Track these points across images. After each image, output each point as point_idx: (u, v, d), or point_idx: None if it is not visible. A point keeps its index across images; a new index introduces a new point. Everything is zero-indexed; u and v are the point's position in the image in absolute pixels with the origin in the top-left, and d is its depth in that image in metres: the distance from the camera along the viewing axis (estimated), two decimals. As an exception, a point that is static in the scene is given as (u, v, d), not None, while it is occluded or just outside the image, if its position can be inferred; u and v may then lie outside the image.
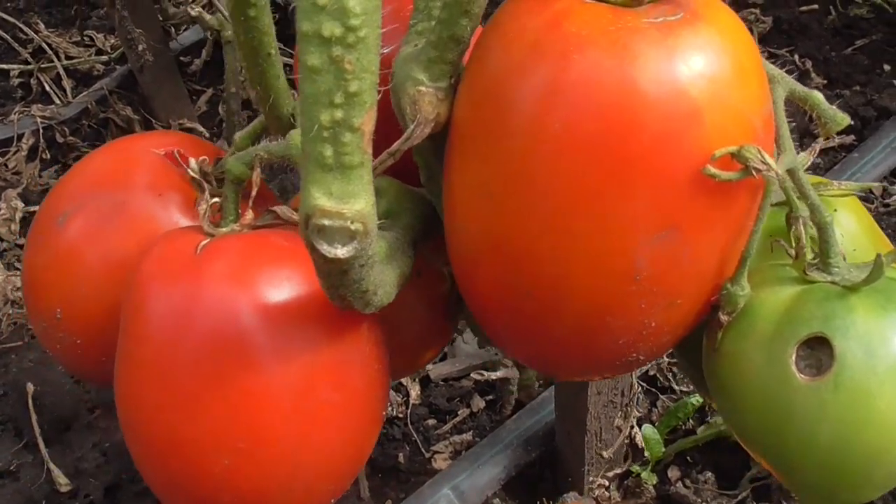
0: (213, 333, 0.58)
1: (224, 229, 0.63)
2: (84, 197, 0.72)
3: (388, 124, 0.59)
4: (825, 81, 1.62)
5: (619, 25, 0.50)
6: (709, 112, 0.49)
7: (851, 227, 0.64)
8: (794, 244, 0.58)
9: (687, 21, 0.51)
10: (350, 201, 0.45)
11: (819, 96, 0.57)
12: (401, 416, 1.34)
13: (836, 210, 0.63)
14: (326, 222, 0.45)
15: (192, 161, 0.68)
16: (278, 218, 0.64)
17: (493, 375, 1.35)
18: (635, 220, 0.51)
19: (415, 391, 1.36)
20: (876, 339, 0.52)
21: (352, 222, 0.45)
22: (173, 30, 1.72)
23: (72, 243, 0.71)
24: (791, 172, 0.56)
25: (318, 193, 0.45)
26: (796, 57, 1.66)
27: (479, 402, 1.35)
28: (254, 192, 0.63)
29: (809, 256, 0.58)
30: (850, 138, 1.54)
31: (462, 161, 0.56)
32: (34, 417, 1.26)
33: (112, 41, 1.80)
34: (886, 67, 1.65)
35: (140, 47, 1.51)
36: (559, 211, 0.52)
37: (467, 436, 1.30)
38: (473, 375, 1.36)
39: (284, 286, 0.58)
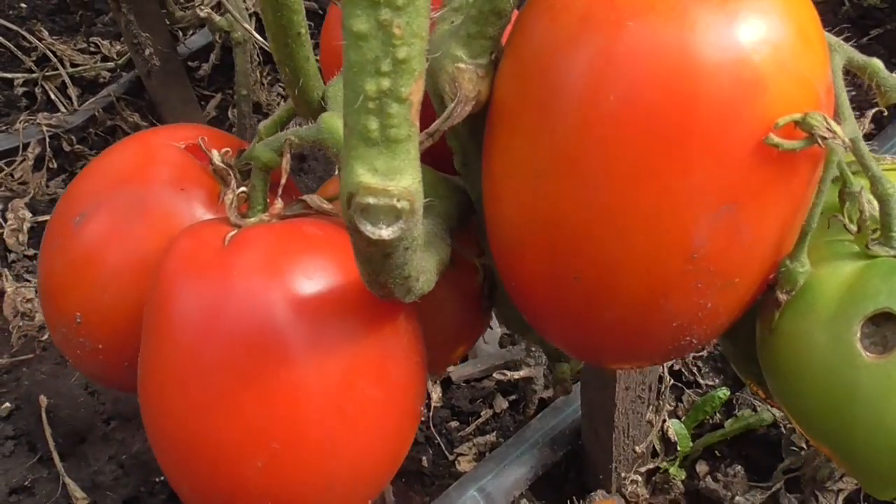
0: (245, 328, 0.55)
1: (253, 220, 0.60)
2: (101, 195, 0.69)
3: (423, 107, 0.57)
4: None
5: (676, -10, 0.48)
6: (772, 79, 0.47)
7: (905, 203, 0.61)
8: (853, 219, 0.55)
9: (745, -16, 0.48)
10: (396, 178, 0.42)
11: (879, 64, 0.55)
12: (423, 419, 1.32)
13: (890, 185, 0.60)
14: (371, 200, 0.42)
15: (216, 153, 0.65)
16: (308, 207, 0.61)
17: (516, 375, 1.32)
18: (694, 195, 0.48)
19: (436, 393, 1.34)
20: (945, 312, 0.50)
21: (398, 200, 0.43)
22: (181, 34, 1.70)
23: (90, 244, 0.68)
24: (854, 142, 0.53)
25: (363, 170, 0.42)
26: (812, 46, 1.64)
27: (501, 403, 1.32)
28: (283, 179, 0.60)
29: (870, 231, 0.55)
30: (869, 127, 1.52)
31: (505, 141, 0.53)
32: (48, 431, 1.23)
33: (118, 47, 1.78)
34: (901, 56, 1.63)
35: (147, 52, 1.49)
36: (612, 190, 0.49)
37: (491, 437, 1.28)
38: (495, 376, 1.33)
39: (319, 276, 0.55)
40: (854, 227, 0.55)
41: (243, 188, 0.61)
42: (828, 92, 0.50)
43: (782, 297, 0.54)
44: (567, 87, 0.49)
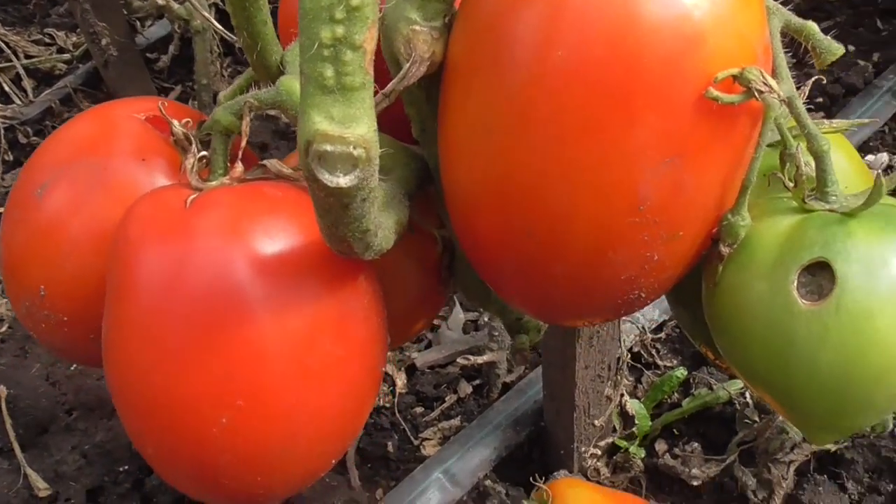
0: (207, 288, 0.56)
1: (214, 183, 0.61)
2: (63, 166, 0.69)
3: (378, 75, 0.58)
4: (794, 61, 1.64)
5: (621, -50, 0.50)
6: (711, 35, 0.49)
7: (842, 164, 0.64)
8: (791, 176, 0.58)
9: (688, -56, 0.50)
10: (352, 125, 0.44)
11: (814, 26, 0.58)
12: (388, 405, 1.33)
13: (828, 147, 0.63)
14: (328, 147, 0.44)
15: (176, 122, 0.66)
16: (268, 172, 0.62)
17: (479, 360, 1.34)
18: (640, 148, 0.50)
19: (401, 380, 1.35)
20: (876, 260, 0.52)
21: (354, 147, 0.44)
22: (139, 24, 1.69)
23: (52, 216, 0.68)
24: (789, 101, 0.56)
25: (319, 117, 0.44)
26: (764, 38, 1.68)
27: (466, 388, 1.34)
28: (243, 142, 0.61)
29: (807, 187, 0.58)
30: (819, 115, 1.57)
31: (459, 100, 0.55)
32: (8, 422, 1.22)
33: (74, 39, 1.76)
34: (851, 48, 1.68)
35: (104, 41, 1.48)
36: (563, 143, 0.51)
37: (455, 421, 1.29)
38: (459, 361, 1.34)
39: (281, 237, 0.57)
40: (791, 184, 0.57)
41: (204, 153, 0.63)
42: (765, 51, 0.53)
43: (725, 249, 0.57)
44: (517, 45, 0.51)
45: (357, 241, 0.52)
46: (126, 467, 1.19)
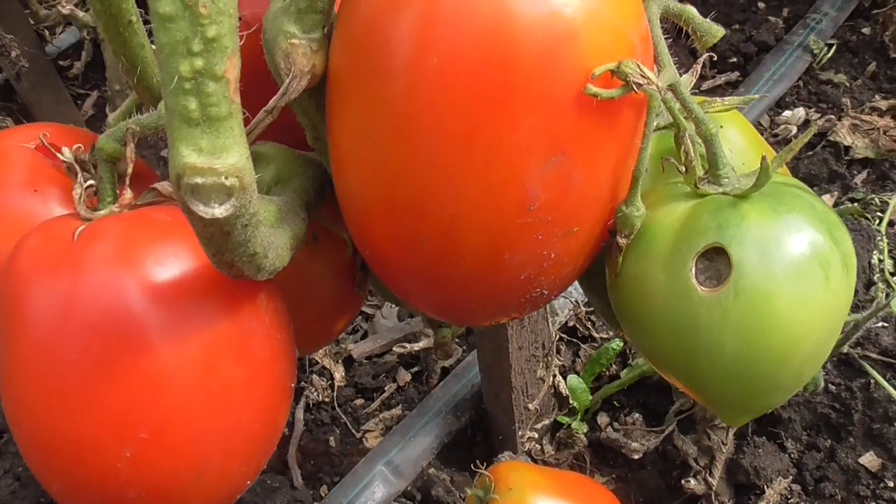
0: (100, 320, 0.54)
1: (102, 212, 0.59)
2: None
3: (264, 88, 0.57)
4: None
5: (487, -49, 0.49)
6: (585, 31, 0.49)
7: (738, 141, 0.64)
8: (682, 161, 0.58)
9: (555, -58, 0.50)
10: (222, 155, 0.43)
11: (693, 10, 0.57)
12: (327, 399, 1.32)
13: (722, 126, 0.63)
14: (199, 180, 0.43)
15: (65, 150, 0.64)
16: (160, 195, 0.61)
17: (416, 347, 1.34)
18: (523, 148, 0.50)
19: (339, 373, 1.34)
20: (770, 242, 0.53)
21: (226, 177, 0.43)
22: (47, 33, 1.65)
23: None
24: (673, 88, 0.56)
25: (187, 150, 0.42)
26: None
27: (405, 376, 1.34)
28: (129, 169, 0.59)
29: (700, 172, 0.58)
30: (735, 75, 1.58)
31: (343, 111, 0.54)
32: (-63, 449, 1.20)
33: (-17, 51, 1.71)
34: (761, 5, 1.70)
35: (13, 54, 1.44)
36: (445, 148, 0.50)
37: (397, 410, 1.29)
38: (396, 349, 1.34)
39: (171, 262, 0.55)
40: (683, 168, 0.58)
41: (91, 182, 0.61)
42: (643, 40, 0.52)
43: (622, 241, 0.57)
44: (393, 52, 0.50)
45: (246, 264, 0.51)
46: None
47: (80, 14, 1.42)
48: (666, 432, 1.16)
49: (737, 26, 1.65)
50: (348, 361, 1.36)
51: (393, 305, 1.39)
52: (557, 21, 0.48)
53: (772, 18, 1.65)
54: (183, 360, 0.55)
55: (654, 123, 0.54)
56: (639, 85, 0.49)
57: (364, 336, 1.39)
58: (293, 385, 0.62)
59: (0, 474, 1.18)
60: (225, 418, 0.57)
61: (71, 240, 0.56)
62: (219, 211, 0.44)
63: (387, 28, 0.50)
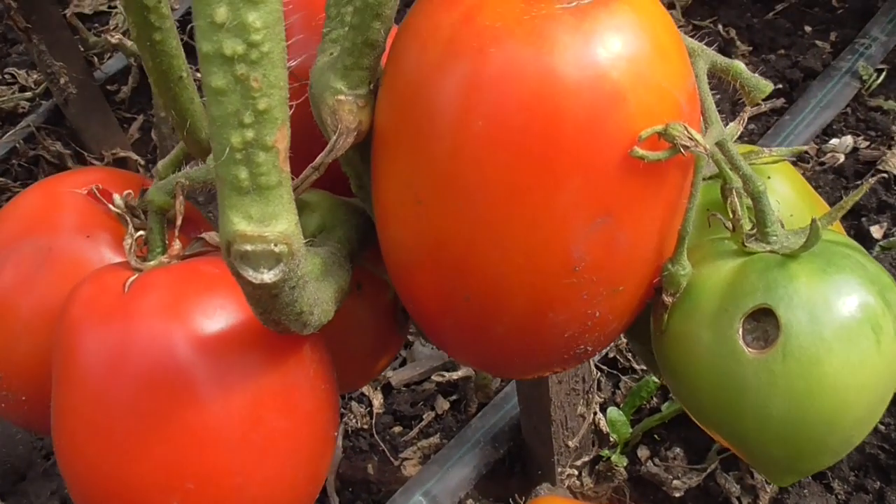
0: (149, 372, 0.55)
1: (152, 263, 0.60)
2: (9, 247, 0.69)
3: (313, 139, 0.58)
4: (750, 48, 1.64)
5: (533, 14, 0.49)
6: (631, 93, 0.49)
7: (786, 193, 0.64)
8: (730, 217, 0.57)
9: (601, 3, 0.50)
10: (271, 223, 0.43)
11: (740, 66, 0.57)
12: (366, 426, 1.32)
13: (769, 177, 0.63)
14: (249, 247, 0.43)
15: (117, 197, 0.66)
16: (208, 245, 0.62)
17: (455, 375, 1.34)
18: (567, 210, 0.50)
19: (378, 400, 1.35)
20: (819, 304, 0.52)
21: (275, 245, 0.44)
22: (96, 59, 1.69)
23: (2, 298, 0.68)
24: (720, 145, 0.55)
25: (237, 218, 0.43)
26: (720, 27, 1.68)
27: (443, 404, 1.34)
28: (178, 221, 0.61)
29: (747, 227, 0.57)
30: (780, 101, 1.56)
31: (388, 168, 0.55)
32: (-14, 471, 1.22)
33: (35, 76, 1.76)
34: (808, 29, 1.67)
35: (62, 80, 1.48)
36: (490, 210, 0.50)
37: (435, 439, 1.29)
38: (434, 378, 1.35)
39: (219, 315, 0.56)
40: (730, 225, 0.57)
41: (142, 231, 0.62)
42: (690, 99, 0.52)
43: (668, 299, 0.56)
44: (439, 113, 0.50)
45: (293, 322, 0.51)
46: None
47: (128, 43, 1.45)
48: (708, 469, 1.15)
49: (782, 51, 1.63)
50: (387, 388, 1.36)
51: (433, 334, 1.39)
52: (604, 84, 0.48)
53: (819, 43, 1.62)
54: (229, 411, 0.56)
55: (701, 182, 0.54)
56: (686, 147, 0.49)
57: (403, 363, 1.39)
58: (336, 434, 0.63)
59: (47, 496, 1.20)
60: (268, 469, 0.57)
61: (122, 291, 0.58)
62: (268, 276, 0.45)
63: (433, 89, 0.50)
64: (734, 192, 0.56)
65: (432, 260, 0.54)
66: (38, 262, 0.68)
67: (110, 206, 0.63)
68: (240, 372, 0.56)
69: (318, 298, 0.53)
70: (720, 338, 0.54)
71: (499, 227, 0.51)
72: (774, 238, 0.56)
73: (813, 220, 0.52)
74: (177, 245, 0.61)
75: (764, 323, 0.54)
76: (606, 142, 0.49)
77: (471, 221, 0.51)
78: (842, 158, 1.46)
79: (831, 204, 0.60)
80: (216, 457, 0.56)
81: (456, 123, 0.50)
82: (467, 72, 0.49)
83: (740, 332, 0.54)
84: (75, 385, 0.58)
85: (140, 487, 0.55)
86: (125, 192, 0.66)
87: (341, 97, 0.54)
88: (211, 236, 0.61)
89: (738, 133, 0.61)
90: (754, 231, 0.57)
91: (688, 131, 0.49)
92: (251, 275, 0.44)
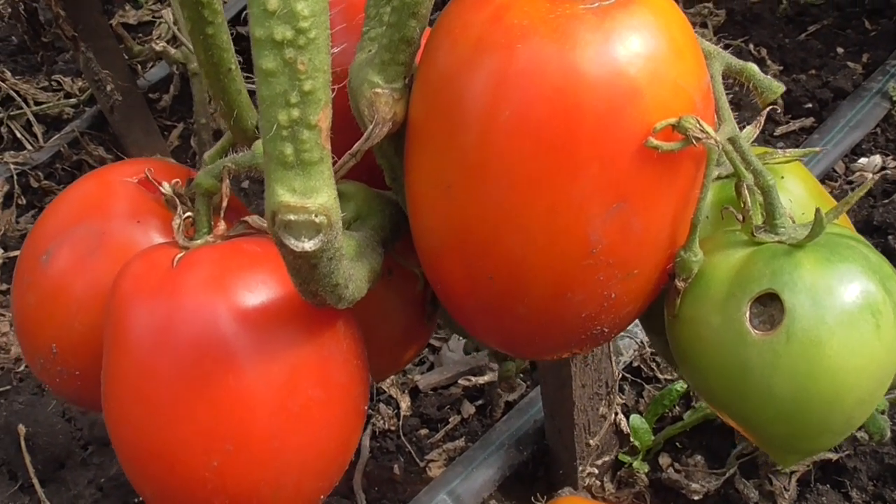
0: (194, 340, 0.60)
1: (198, 241, 0.65)
2: (65, 232, 0.74)
3: (350, 130, 0.62)
4: (781, 68, 1.66)
5: (558, 13, 0.54)
6: (648, 88, 0.52)
7: (798, 192, 0.67)
8: (741, 209, 0.61)
9: (621, 4, 0.54)
10: (313, 196, 0.48)
11: (754, 67, 0.60)
12: (393, 428, 1.36)
13: (782, 177, 0.66)
14: (292, 217, 0.48)
15: (166, 184, 0.71)
16: (250, 227, 0.66)
17: (481, 380, 1.37)
18: (586, 196, 0.54)
19: (405, 403, 1.38)
20: (822, 290, 0.55)
21: (316, 215, 0.48)
22: (140, 67, 1.75)
23: (58, 279, 0.73)
24: (732, 140, 0.59)
25: (282, 190, 0.47)
26: (751, 46, 1.70)
27: (469, 408, 1.37)
28: (224, 203, 0.65)
29: (758, 220, 0.61)
30: (809, 121, 1.58)
31: (420, 157, 0.59)
32: (27, 458, 1.27)
33: (80, 84, 1.82)
34: (840, 50, 1.69)
35: (108, 87, 1.53)
36: (513, 195, 0.54)
37: (460, 442, 1.32)
38: (461, 382, 1.38)
39: (260, 290, 0.60)
40: (741, 217, 0.60)
41: (189, 213, 0.67)
42: (704, 97, 0.56)
43: (680, 284, 0.60)
44: (468, 105, 0.55)
45: (329, 294, 0.55)
46: (139, 499, 1.23)
47: (172, 51, 1.50)
48: (727, 475, 1.16)
49: (813, 72, 1.65)
50: (414, 392, 1.40)
51: (460, 339, 1.42)
52: (622, 80, 0.52)
53: (850, 64, 1.64)
54: (267, 379, 0.60)
55: (716, 173, 0.57)
56: (697, 139, 0.53)
57: (430, 368, 1.42)
58: (366, 408, 0.66)
59: (85, 484, 1.24)
60: (303, 436, 0.61)
61: (170, 266, 0.62)
62: (308, 245, 0.49)
63: (463, 82, 0.55)
64: (744, 186, 0.60)
65: (459, 242, 0.58)
66: (92, 245, 0.73)
67: (161, 190, 0.68)
68: (278, 343, 0.60)
69: (353, 275, 0.57)
70: (728, 321, 0.57)
71: (521, 211, 0.54)
72: (782, 229, 0.60)
73: (817, 210, 0.56)
74: (221, 226, 0.65)
75: (770, 307, 0.57)
76: (623, 133, 0.53)
77: (496, 206, 0.55)
78: (870, 177, 1.47)
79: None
80: (254, 422, 0.60)
81: (484, 115, 0.54)
82: (495, 67, 0.53)
83: (747, 315, 0.57)
84: (124, 355, 0.62)
85: (183, 448, 0.60)
86: (174, 181, 0.71)
87: (378, 90, 0.59)
88: (254, 219, 0.65)
89: (754, 136, 0.65)
90: (763, 223, 0.60)
91: (700, 124, 0.53)
92: (293, 243, 0.49)
